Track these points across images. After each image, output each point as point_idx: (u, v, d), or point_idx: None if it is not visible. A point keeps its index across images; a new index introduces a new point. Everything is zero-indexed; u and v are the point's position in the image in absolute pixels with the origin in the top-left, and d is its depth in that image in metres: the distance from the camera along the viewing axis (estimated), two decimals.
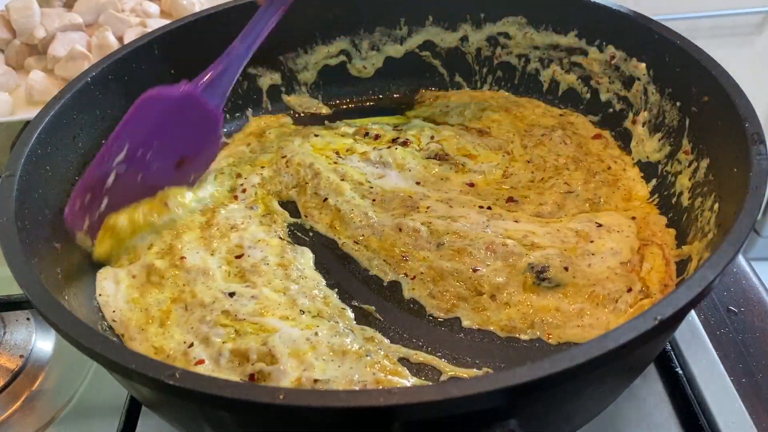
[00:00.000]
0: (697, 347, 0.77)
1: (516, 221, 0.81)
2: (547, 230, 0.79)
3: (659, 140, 0.85)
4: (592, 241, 0.77)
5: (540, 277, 0.74)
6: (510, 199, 0.85)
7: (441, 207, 0.83)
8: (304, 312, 0.73)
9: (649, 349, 0.62)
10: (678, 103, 0.81)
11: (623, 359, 0.50)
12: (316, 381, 0.64)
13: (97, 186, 0.77)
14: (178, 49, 0.94)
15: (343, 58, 1.06)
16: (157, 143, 0.81)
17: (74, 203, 0.76)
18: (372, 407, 0.45)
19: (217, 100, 0.84)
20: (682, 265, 0.74)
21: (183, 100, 0.82)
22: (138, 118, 0.80)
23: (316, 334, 0.69)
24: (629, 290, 0.72)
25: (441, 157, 0.92)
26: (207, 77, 0.83)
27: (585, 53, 0.94)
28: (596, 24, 0.91)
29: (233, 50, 0.85)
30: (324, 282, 0.78)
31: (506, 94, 1.04)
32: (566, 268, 0.74)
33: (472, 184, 0.88)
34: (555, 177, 0.88)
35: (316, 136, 0.98)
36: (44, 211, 0.73)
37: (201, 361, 0.68)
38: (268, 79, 1.04)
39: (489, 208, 0.83)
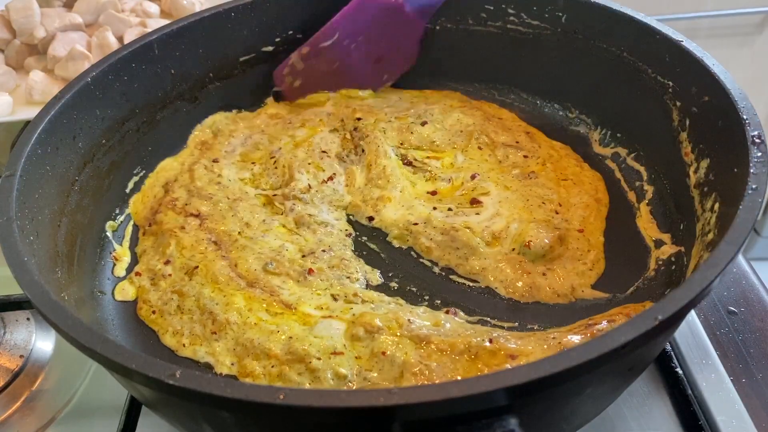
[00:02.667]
0: (697, 347, 0.77)
1: (478, 214, 0.84)
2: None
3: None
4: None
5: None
6: (474, 201, 0.86)
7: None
8: (337, 298, 0.76)
9: (649, 349, 0.62)
10: (678, 103, 0.81)
11: (623, 359, 0.50)
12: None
13: (305, 56, 0.99)
14: (178, 49, 0.94)
15: None
16: (362, 38, 0.97)
17: (284, 66, 1.00)
18: (372, 407, 0.45)
19: (420, 15, 0.96)
20: (678, 266, 0.74)
21: (393, 8, 0.94)
22: (353, 14, 0.95)
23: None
24: None
25: (409, 163, 0.93)
26: None
27: None
28: (596, 24, 0.91)
29: None
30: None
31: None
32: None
33: (434, 192, 0.89)
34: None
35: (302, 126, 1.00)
36: (44, 211, 0.73)
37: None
38: None
39: (450, 209, 0.85)
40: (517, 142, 0.95)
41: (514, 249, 0.79)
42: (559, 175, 0.90)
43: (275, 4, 0.99)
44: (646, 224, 0.83)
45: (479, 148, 0.94)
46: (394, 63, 1.02)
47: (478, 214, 0.84)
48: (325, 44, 0.96)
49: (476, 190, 0.87)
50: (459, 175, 0.90)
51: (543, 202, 0.85)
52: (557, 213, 0.83)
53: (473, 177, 0.89)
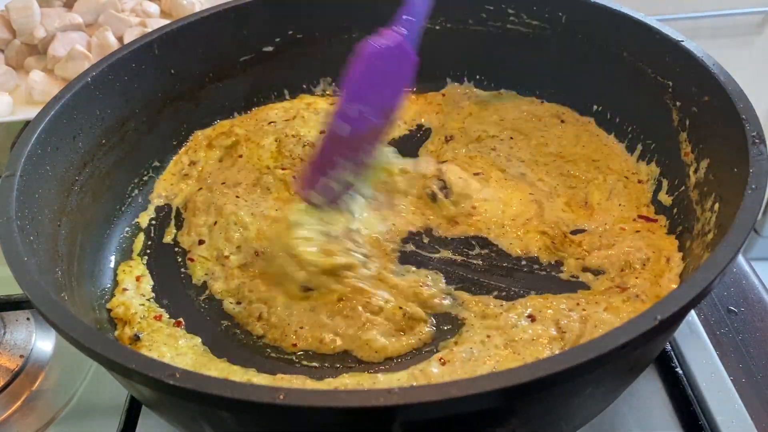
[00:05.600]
0: (697, 347, 0.77)
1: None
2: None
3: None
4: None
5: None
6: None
7: None
8: None
9: (649, 349, 0.62)
10: (678, 103, 0.81)
11: (623, 359, 0.50)
12: None
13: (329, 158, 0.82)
14: (178, 49, 0.94)
15: None
16: (373, 98, 0.81)
17: (308, 181, 0.83)
18: (372, 407, 0.45)
19: (414, 48, 0.82)
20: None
21: (397, 50, 0.80)
22: (362, 76, 0.80)
23: None
24: None
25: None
26: (402, 27, 0.80)
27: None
28: (596, 24, 0.91)
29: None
30: None
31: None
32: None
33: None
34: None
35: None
36: (44, 211, 0.73)
37: None
38: None
39: None
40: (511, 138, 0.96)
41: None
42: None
43: (275, 4, 0.99)
44: None
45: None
46: (396, 108, 0.87)
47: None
48: (345, 132, 0.80)
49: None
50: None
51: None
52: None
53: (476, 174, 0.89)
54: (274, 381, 0.68)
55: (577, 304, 0.71)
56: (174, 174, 0.96)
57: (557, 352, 0.67)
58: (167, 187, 0.95)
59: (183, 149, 0.99)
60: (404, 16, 0.81)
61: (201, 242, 0.86)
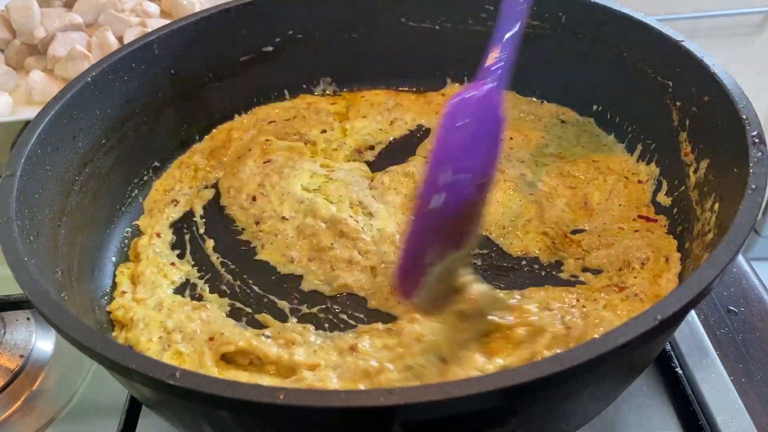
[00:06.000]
0: (697, 347, 0.77)
1: None
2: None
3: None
4: None
5: None
6: None
7: None
8: None
9: (649, 349, 0.62)
10: (678, 103, 0.81)
11: (623, 359, 0.50)
12: None
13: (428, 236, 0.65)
14: (178, 49, 0.94)
15: None
16: (466, 160, 0.66)
17: (407, 284, 0.67)
18: (372, 407, 0.45)
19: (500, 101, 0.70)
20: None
21: (484, 100, 0.68)
22: (449, 135, 0.66)
23: None
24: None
25: None
26: (490, 77, 0.69)
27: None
28: (596, 24, 0.91)
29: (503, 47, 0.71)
30: None
31: None
32: None
33: None
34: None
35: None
36: (44, 210, 0.73)
37: None
38: None
39: None
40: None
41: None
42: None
43: (275, 4, 0.99)
44: None
45: None
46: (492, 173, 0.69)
47: None
48: (439, 203, 0.64)
49: None
50: None
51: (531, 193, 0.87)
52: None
53: None
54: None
55: (577, 300, 0.71)
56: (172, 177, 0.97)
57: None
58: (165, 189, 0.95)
59: (179, 159, 0.99)
60: (491, 60, 0.68)
61: None
